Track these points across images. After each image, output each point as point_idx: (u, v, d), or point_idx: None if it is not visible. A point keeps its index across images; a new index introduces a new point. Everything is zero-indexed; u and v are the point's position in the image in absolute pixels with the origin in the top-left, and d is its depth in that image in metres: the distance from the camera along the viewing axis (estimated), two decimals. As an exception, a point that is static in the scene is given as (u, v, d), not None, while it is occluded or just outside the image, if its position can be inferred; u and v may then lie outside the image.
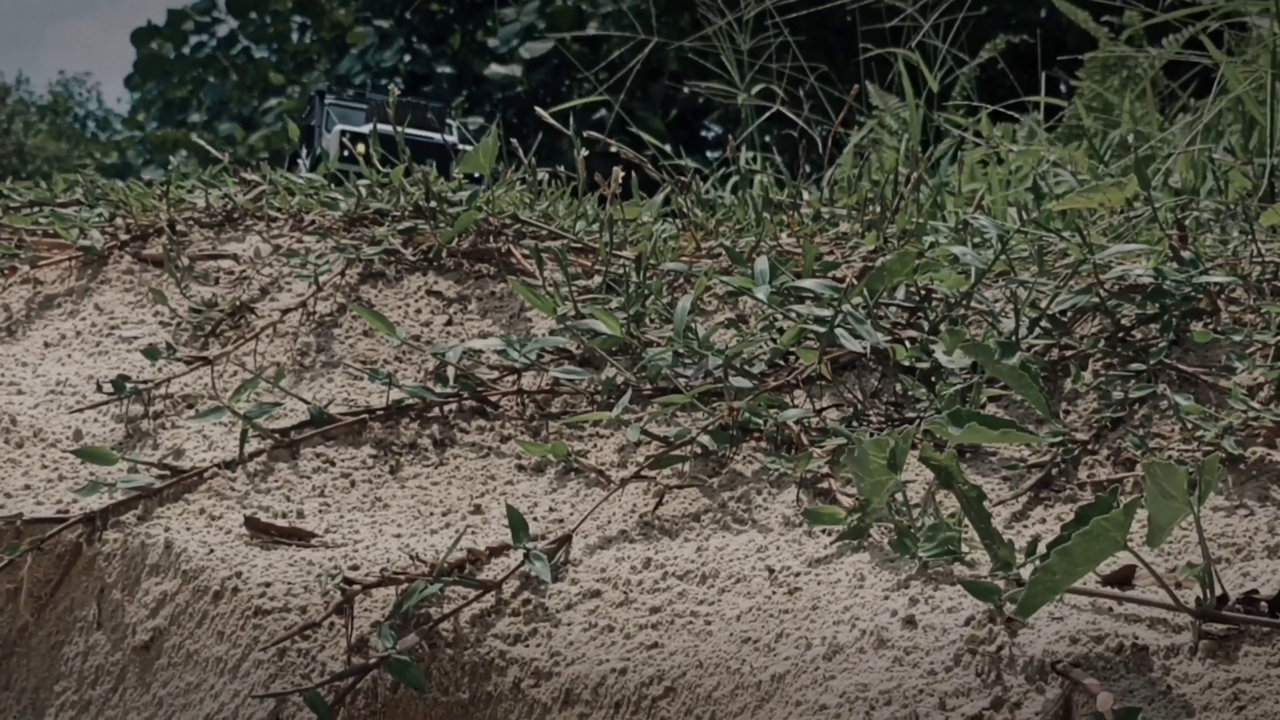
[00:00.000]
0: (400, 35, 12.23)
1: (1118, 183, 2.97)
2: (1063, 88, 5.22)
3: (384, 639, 2.17)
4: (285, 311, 2.92)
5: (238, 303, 2.99)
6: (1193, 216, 3.01)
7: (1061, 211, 3.09)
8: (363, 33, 12.63)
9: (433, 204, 3.17)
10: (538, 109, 3.49)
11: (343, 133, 4.05)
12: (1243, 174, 3.22)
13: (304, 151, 4.29)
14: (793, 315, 2.59)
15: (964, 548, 2.08)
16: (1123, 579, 2.01)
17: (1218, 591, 1.90)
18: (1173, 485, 1.85)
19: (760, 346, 2.62)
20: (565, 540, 2.31)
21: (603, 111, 4.35)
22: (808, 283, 2.57)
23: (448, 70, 11.86)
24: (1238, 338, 2.46)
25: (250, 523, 2.43)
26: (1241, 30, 4.76)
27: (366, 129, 4.04)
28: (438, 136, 4.14)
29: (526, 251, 3.02)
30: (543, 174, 3.46)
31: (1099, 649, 1.82)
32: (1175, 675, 1.78)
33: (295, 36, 13.94)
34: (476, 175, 3.34)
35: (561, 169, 3.62)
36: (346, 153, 3.85)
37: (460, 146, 4.06)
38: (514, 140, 3.46)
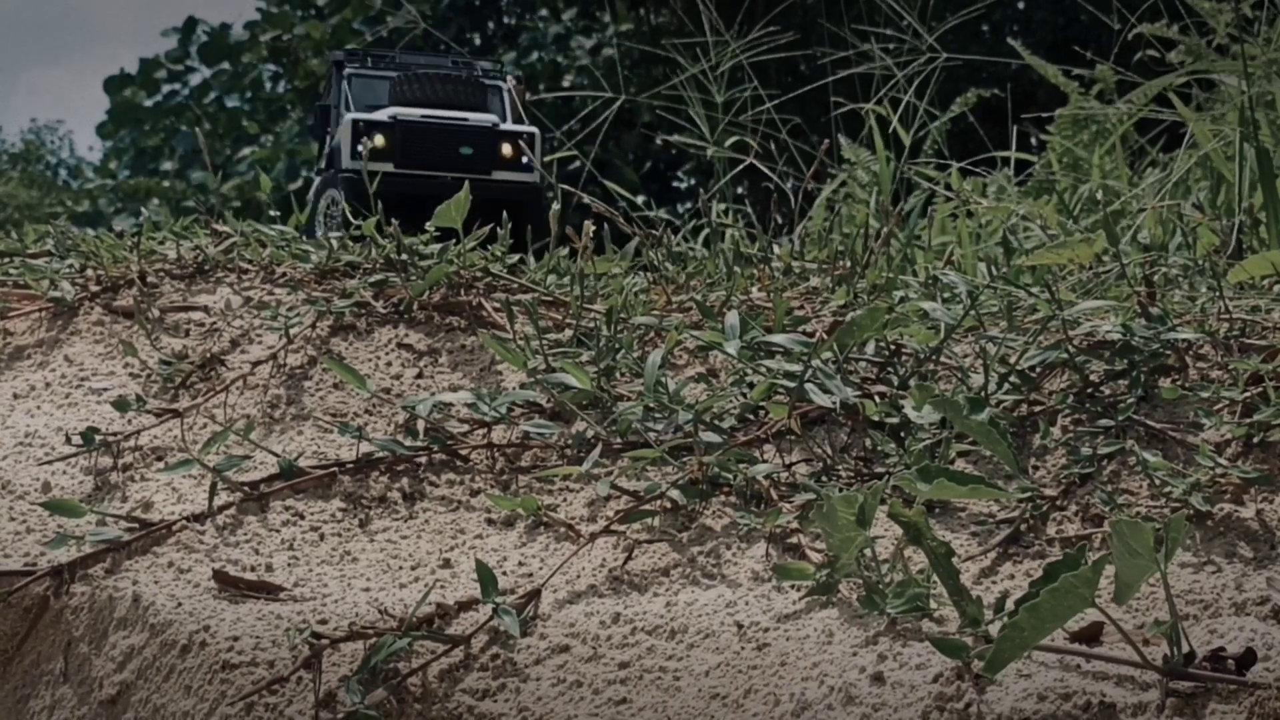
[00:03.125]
0: (374, 85, 12.26)
1: (1087, 238, 2.98)
2: (1033, 142, 5.25)
3: (351, 694, 2.16)
4: (255, 364, 2.92)
5: (208, 355, 2.99)
6: (1161, 273, 3.02)
7: (1031, 267, 3.10)
8: (337, 82, 12.65)
9: (404, 257, 3.17)
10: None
11: (356, 124, 3.49)
12: (1211, 230, 3.24)
13: (323, 138, 3.76)
14: (763, 370, 2.59)
15: (932, 604, 2.08)
16: (1090, 636, 2.02)
17: (1185, 649, 1.90)
18: (1140, 543, 1.86)
19: (730, 401, 2.63)
20: (534, 595, 2.30)
21: (576, 163, 4.36)
22: (778, 338, 2.58)
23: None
24: (1205, 394, 2.47)
25: (218, 576, 2.42)
26: (1209, 88, 4.79)
27: (384, 115, 3.50)
28: (476, 116, 3.55)
29: (497, 305, 3.03)
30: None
31: (1066, 706, 1.82)
32: (1143, 733, 1.79)
33: (268, 85, 13.96)
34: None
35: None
36: (360, 148, 3.37)
37: (504, 127, 3.54)
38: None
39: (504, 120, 3.66)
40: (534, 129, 3.49)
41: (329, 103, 3.74)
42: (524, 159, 3.45)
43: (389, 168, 3.46)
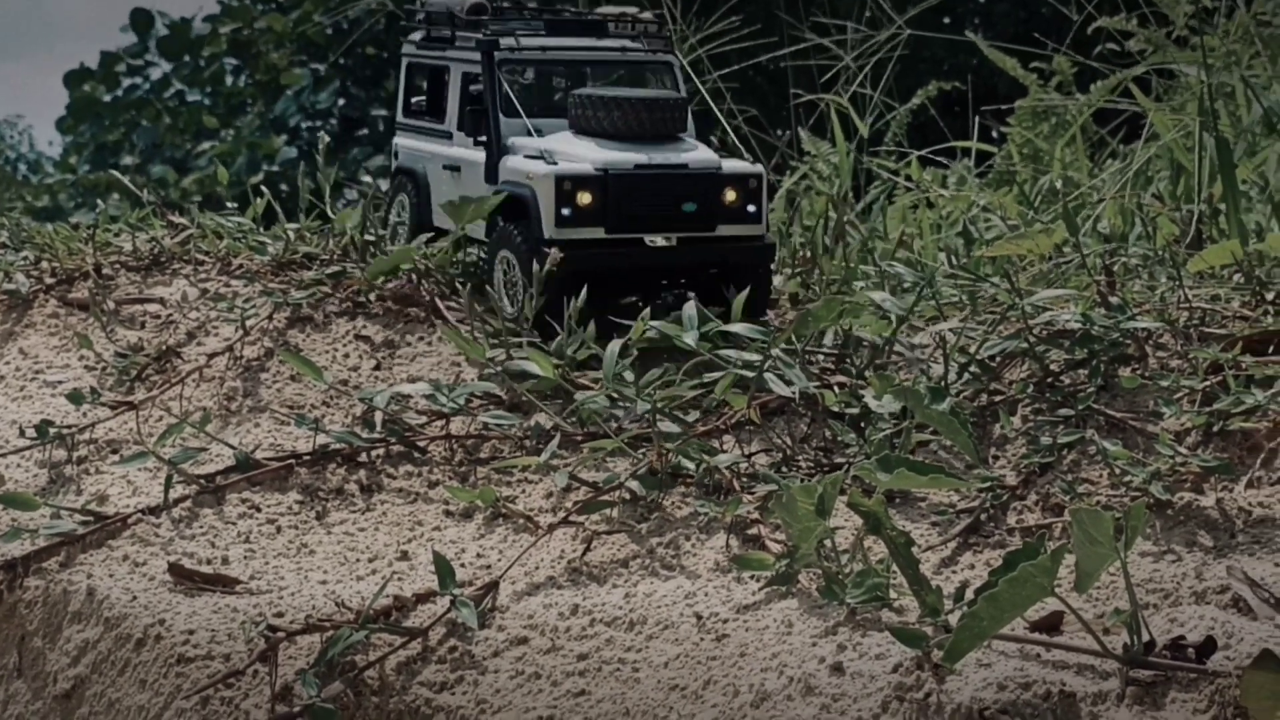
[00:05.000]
0: (335, 78, 12.23)
1: (1047, 229, 2.98)
2: (994, 134, 5.25)
3: (308, 687, 2.15)
4: (211, 356, 2.90)
5: (164, 347, 2.97)
6: (1121, 262, 3.02)
7: (991, 257, 3.10)
8: (298, 74, 12.62)
9: (368, 237, 3.15)
10: None
11: (560, 182, 2.70)
12: (1171, 220, 3.24)
13: (494, 159, 2.86)
14: (722, 360, 2.58)
15: (892, 594, 2.07)
16: (1050, 625, 2.01)
17: (1145, 638, 1.90)
18: (1100, 531, 1.86)
19: (690, 392, 2.61)
20: (492, 587, 2.29)
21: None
22: (736, 327, 2.57)
23: (382, 113, 11.85)
24: (1165, 383, 2.47)
25: (174, 569, 2.40)
26: (1169, 78, 4.80)
27: (589, 164, 2.72)
28: (695, 158, 2.76)
29: (453, 305, 3.00)
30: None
31: (1026, 695, 1.82)
32: (1102, 722, 1.78)
33: (229, 79, 13.92)
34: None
35: None
36: (565, 211, 2.71)
37: (727, 167, 2.77)
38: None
39: (691, 136, 2.87)
40: (759, 167, 2.79)
41: (481, 103, 2.88)
42: (749, 207, 2.76)
43: (599, 233, 2.71)
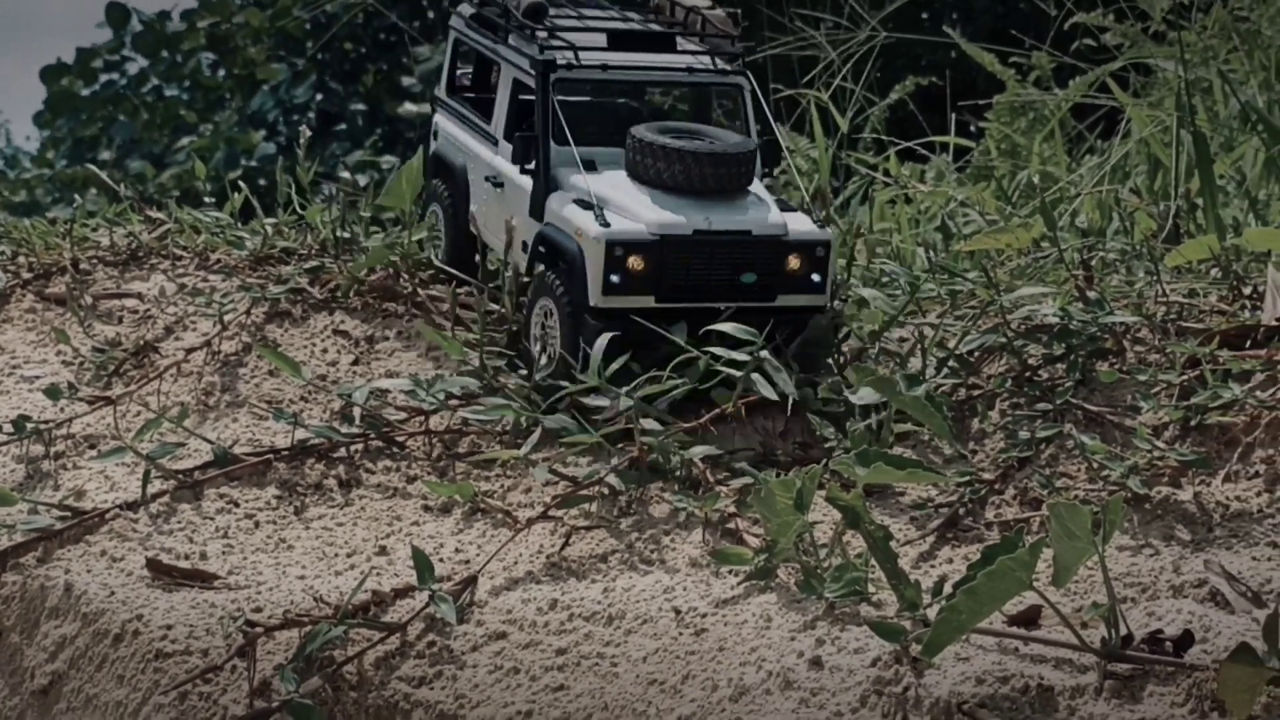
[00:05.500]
0: (313, 72, 12.21)
1: (1025, 223, 2.99)
2: (972, 129, 5.25)
3: (286, 682, 2.14)
4: (190, 351, 2.89)
5: (141, 342, 2.96)
6: (1099, 257, 3.02)
7: (970, 251, 3.10)
8: (276, 68, 12.60)
9: (345, 234, 3.14)
10: None
11: (611, 248, 2.45)
12: (1148, 215, 3.25)
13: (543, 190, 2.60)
14: (707, 355, 2.56)
15: (871, 588, 2.08)
16: (1029, 619, 2.02)
17: (1123, 631, 1.90)
18: (1077, 525, 1.86)
19: (673, 387, 2.61)
20: (471, 581, 2.29)
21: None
22: (725, 326, 2.50)
23: (361, 108, 11.84)
24: (1143, 378, 2.48)
25: (152, 564, 2.40)
26: (1147, 74, 4.81)
27: (641, 227, 2.47)
28: (760, 220, 2.49)
29: (434, 294, 3.00)
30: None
31: (1005, 689, 1.82)
32: (1080, 715, 1.79)
33: (207, 72, 13.89)
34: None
35: None
36: (614, 278, 2.48)
37: (793, 232, 2.50)
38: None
39: (759, 181, 2.59)
40: (827, 233, 2.53)
41: (530, 125, 2.61)
42: (814, 276, 2.51)
43: (649, 302, 2.49)
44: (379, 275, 3.03)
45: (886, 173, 4.36)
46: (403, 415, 2.67)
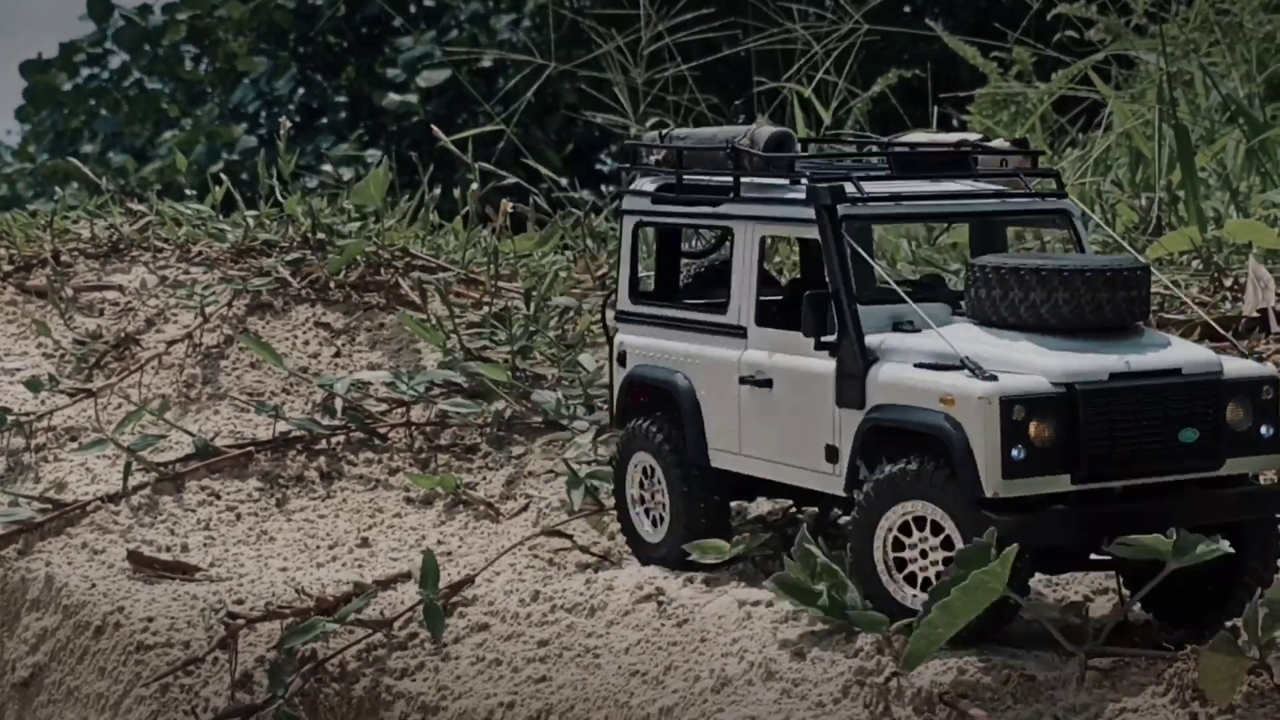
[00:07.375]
0: (294, 65, 12.18)
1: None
2: (954, 122, 5.26)
3: (269, 675, 2.14)
4: (171, 343, 2.89)
5: (123, 334, 2.96)
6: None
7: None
8: (257, 61, 12.58)
9: (320, 236, 3.14)
10: (434, 128, 3.45)
11: (1008, 405, 1.76)
12: (1130, 207, 3.25)
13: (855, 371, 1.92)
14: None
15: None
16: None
17: (1104, 622, 1.90)
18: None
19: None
20: (466, 583, 2.26)
21: (502, 144, 4.32)
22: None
23: (343, 100, 11.82)
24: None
25: (133, 557, 2.39)
26: (1129, 66, 4.81)
27: (1038, 373, 1.80)
28: (1166, 359, 1.86)
29: (413, 284, 3.00)
30: (431, 199, 3.39)
31: (986, 680, 1.82)
32: (1063, 705, 1.79)
33: (189, 65, 13.86)
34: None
35: (456, 193, 3.56)
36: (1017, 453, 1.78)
37: (1229, 370, 1.87)
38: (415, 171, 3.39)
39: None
40: (1270, 368, 1.95)
41: (812, 283, 2.06)
42: (1263, 429, 1.89)
43: (1064, 483, 1.83)
44: (359, 269, 3.03)
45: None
46: (384, 407, 2.67)
